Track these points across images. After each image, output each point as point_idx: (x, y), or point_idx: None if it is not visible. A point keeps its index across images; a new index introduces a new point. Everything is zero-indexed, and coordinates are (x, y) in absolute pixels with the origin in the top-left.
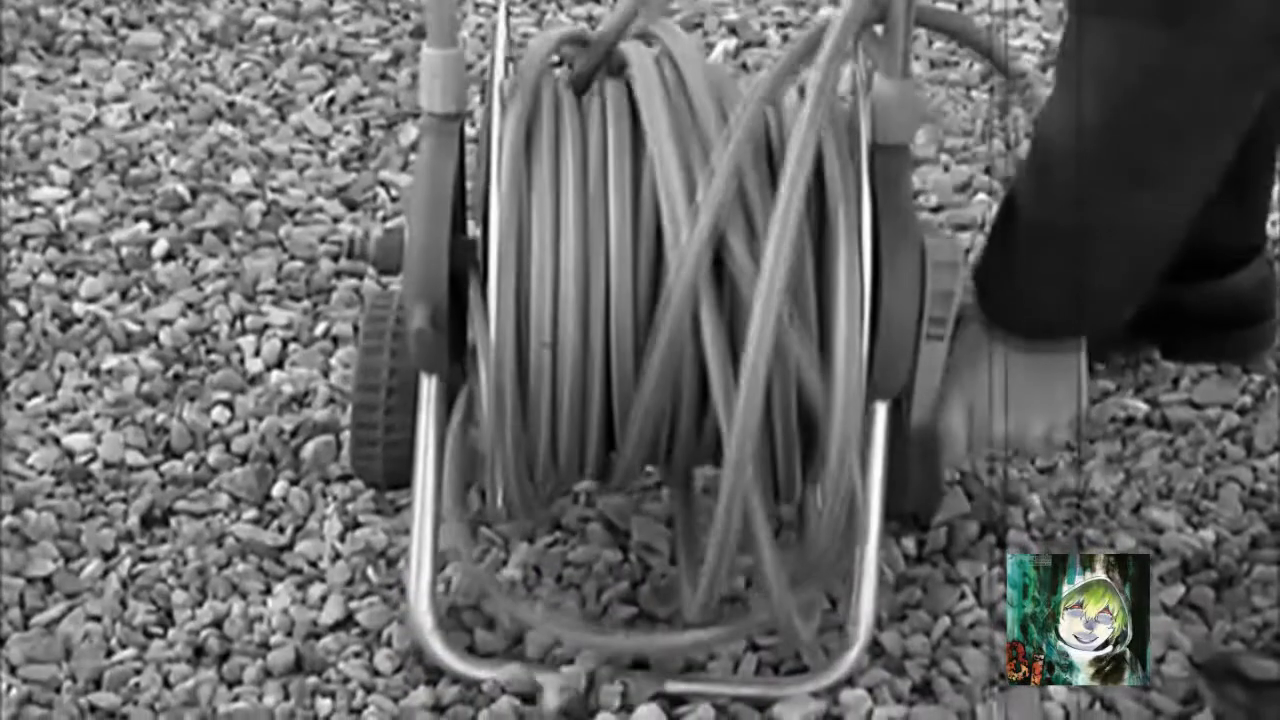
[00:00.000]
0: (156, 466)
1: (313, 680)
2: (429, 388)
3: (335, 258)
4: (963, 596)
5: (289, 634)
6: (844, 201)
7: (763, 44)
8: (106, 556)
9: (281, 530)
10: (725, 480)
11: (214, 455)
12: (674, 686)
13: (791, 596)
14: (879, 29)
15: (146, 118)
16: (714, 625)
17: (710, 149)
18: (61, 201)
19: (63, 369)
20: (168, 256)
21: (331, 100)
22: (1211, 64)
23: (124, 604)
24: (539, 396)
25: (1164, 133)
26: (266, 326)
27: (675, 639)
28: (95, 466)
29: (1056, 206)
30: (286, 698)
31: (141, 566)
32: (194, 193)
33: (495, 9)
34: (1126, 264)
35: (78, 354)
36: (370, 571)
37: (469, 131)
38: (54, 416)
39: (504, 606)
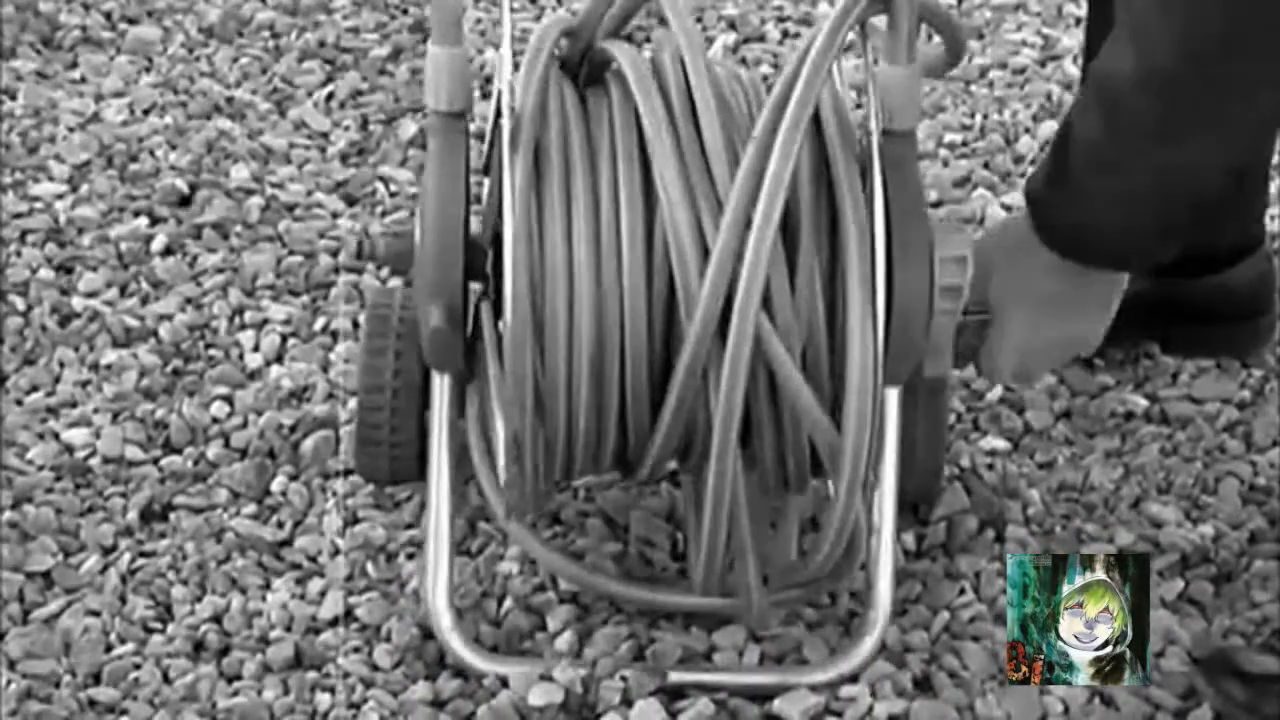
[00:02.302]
0: (156, 461)
1: (312, 675)
2: (442, 387)
3: (334, 253)
4: (962, 591)
5: (288, 629)
6: (849, 189)
7: (761, 39)
8: (106, 551)
9: (281, 525)
10: (711, 473)
11: (213, 450)
12: (677, 676)
13: (764, 592)
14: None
15: (145, 113)
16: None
17: (714, 158)
18: (60, 196)
19: (62, 364)
20: (167, 251)
21: (330, 95)
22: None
23: (123, 599)
24: (555, 396)
25: (1233, 83)
26: (266, 322)
27: (683, 598)
28: (94, 461)
29: (1115, 141)
30: (286, 692)
31: (141, 561)
32: (193, 188)
33: (496, 3)
34: (1178, 203)
35: (77, 349)
36: (370, 566)
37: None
38: (53, 411)
39: (534, 548)
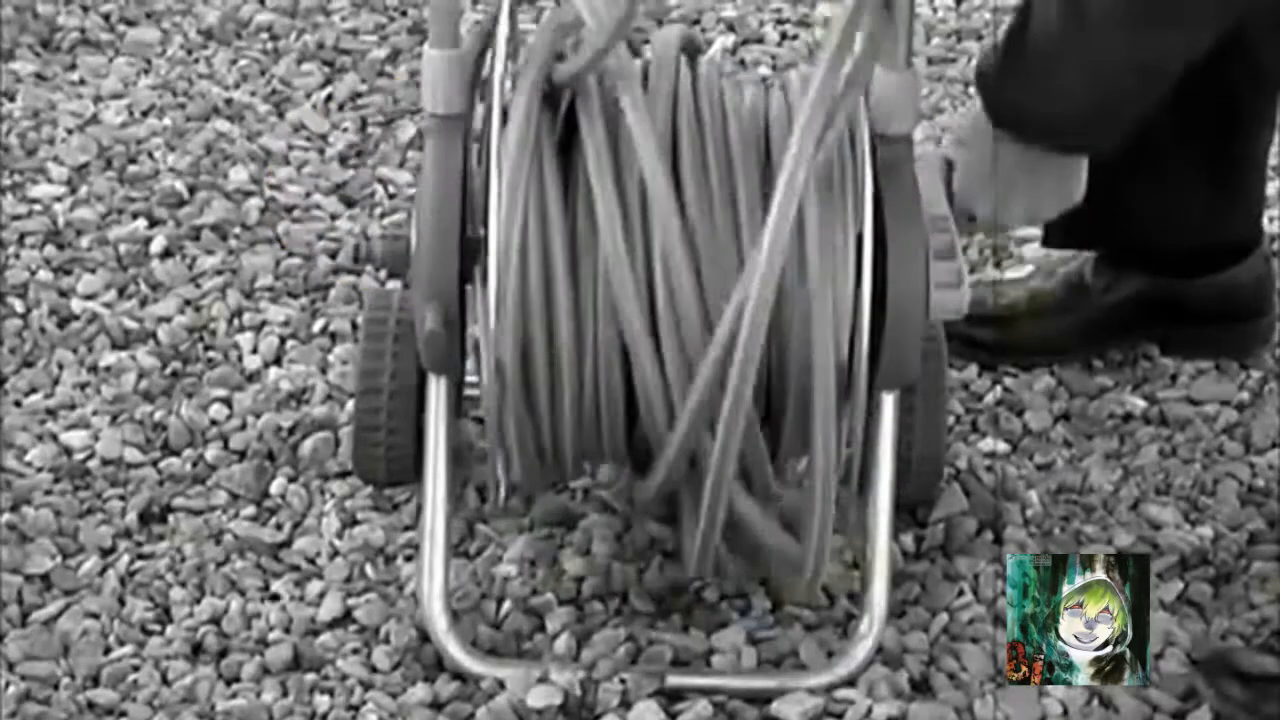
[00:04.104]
0: (155, 463)
1: (311, 677)
2: (437, 389)
3: (333, 255)
4: (961, 593)
5: (287, 631)
6: (845, 191)
7: (760, 41)
8: (105, 553)
9: (279, 527)
10: (712, 464)
11: (212, 452)
12: (675, 679)
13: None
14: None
15: (144, 114)
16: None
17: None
18: (59, 198)
19: (61, 366)
20: (165, 253)
21: (329, 97)
22: None
23: (122, 601)
24: (537, 386)
25: None
26: (264, 323)
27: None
28: (93, 463)
29: (1076, 24)
30: (285, 694)
31: (139, 563)
32: (192, 189)
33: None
34: (1127, 87)
35: (76, 351)
36: (368, 568)
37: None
38: (52, 413)
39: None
